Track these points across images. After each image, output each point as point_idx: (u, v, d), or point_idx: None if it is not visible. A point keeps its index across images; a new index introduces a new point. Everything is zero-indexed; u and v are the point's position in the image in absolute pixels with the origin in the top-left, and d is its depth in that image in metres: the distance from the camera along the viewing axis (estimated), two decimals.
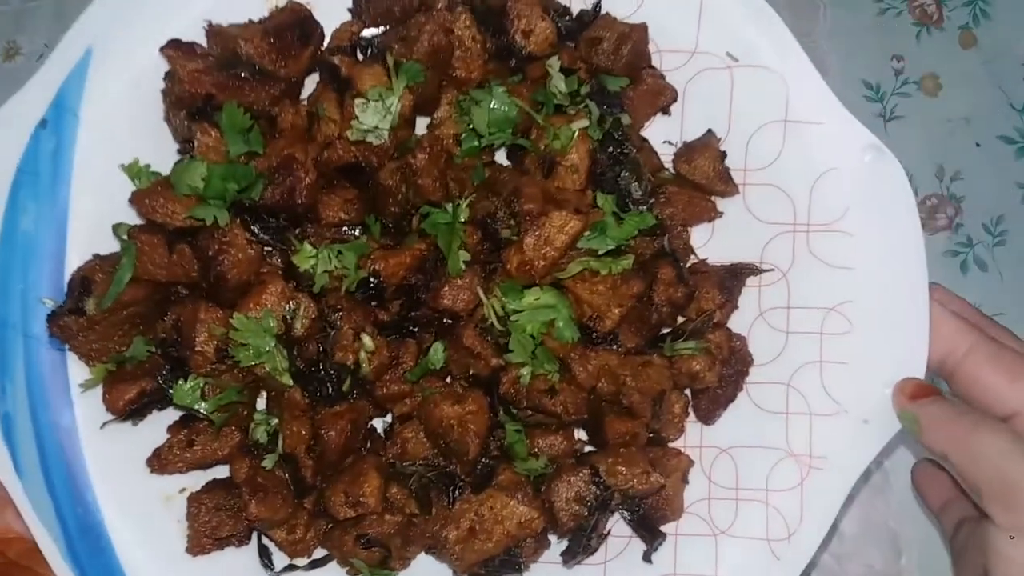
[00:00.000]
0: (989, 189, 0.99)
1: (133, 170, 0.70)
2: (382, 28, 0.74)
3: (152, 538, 0.66)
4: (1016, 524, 0.62)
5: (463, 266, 0.63)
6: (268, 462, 0.63)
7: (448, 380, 0.67)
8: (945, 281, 0.87)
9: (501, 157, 0.73)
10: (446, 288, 0.64)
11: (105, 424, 0.66)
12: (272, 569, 0.66)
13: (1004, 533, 0.63)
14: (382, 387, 0.64)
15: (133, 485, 0.67)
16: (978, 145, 1.00)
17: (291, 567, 0.67)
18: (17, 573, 0.62)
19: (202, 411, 0.61)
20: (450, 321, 0.67)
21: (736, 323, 0.71)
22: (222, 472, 0.68)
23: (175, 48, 0.67)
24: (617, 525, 0.70)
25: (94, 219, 0.71)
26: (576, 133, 0.65)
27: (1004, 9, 1.04)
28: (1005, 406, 0.66)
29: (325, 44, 0.73)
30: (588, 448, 0.69)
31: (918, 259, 0.68)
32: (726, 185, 0.72)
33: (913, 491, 0.84)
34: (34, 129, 0.69)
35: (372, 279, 0.64)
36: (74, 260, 0.69)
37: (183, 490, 0.67)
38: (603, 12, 0.74)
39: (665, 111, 0.76)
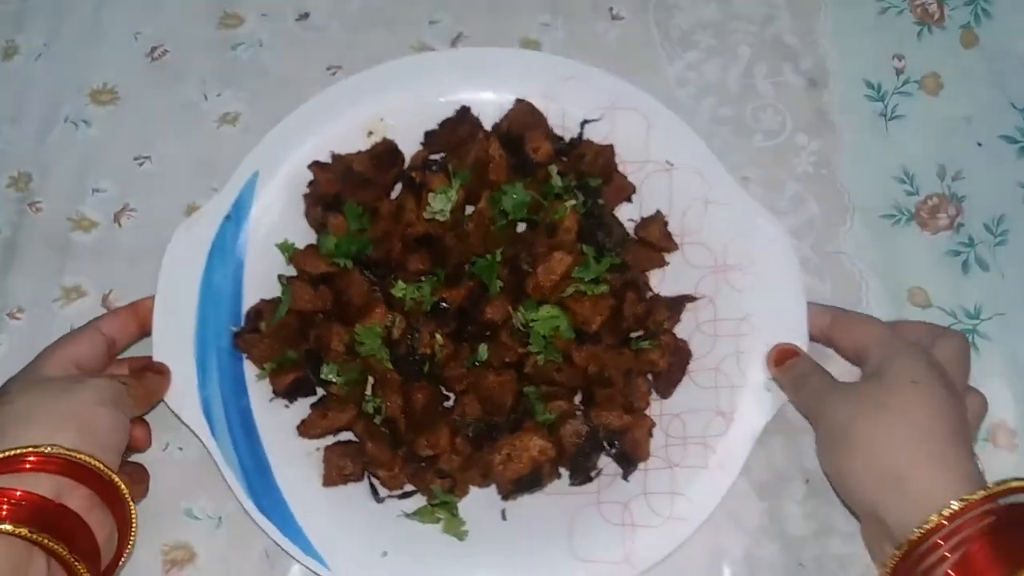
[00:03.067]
0: (991, 189, 0.97)
1: (284, 247, 0.98)
2: (442, 154, 1.03)
3: (300, 476, 0.91)
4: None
5: (499, 290, 0.93)
6: (377, 420, 0.92)
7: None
8: (946, 281, 0.94)
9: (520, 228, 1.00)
10: (489, 307, 0.93)
11: (272, 399, 0.94)
12: (378, 496, 0.93)
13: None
14: (448, 371, 0.92)
15: (287, 444, 0.92)
16: (980, 145, 0.97)
17: (389, 497, 0.93)
18: None
19: (337, 382, 0.91)
20: (489, 333, 0.94)
21: (681, 331, 0.97)
22: (343, 439, 0.95)
23: (317, 166, 0.98)
24: (607, 467, 0.94)
25: (259, 277, 0.97)
26: (568, 209, 0.95)
27: (1006, 8, 1.02)
28: (851, 351, 0.87)
29: (406, 164, 1.02)
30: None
31: (797, 283, 0.94)
32: (669, 243, 0.98)
33: None
34: (222, 220, 0.96)
35: (442, 303, 0.94)
36: (246, 303, 0.97)
37: (318, 449, 0.93)
38: (584, 138, 1.02)
39: (628, 200, 1.02)
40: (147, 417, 0.93)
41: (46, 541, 0.69)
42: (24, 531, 0.69)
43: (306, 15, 1.10)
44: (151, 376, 0.88)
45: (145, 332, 0.92)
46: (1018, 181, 0.98)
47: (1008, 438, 0.91)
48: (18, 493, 0.70)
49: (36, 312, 0.98)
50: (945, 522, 0.69)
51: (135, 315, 0.91)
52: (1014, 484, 0.71)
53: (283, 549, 0.90)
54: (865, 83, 1.02)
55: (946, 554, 0.68)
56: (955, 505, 0.69)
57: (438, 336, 0.90)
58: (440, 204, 0.93)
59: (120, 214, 1.03)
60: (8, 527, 0.68)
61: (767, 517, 0.90)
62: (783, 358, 0.89)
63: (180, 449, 0.93)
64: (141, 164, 1.05)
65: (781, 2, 1.00)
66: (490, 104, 1.02)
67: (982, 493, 0.69)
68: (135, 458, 0.90)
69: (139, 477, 0.86)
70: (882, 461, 0.74)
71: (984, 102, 1.00)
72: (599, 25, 1.08)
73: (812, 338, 0.94)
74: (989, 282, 0.96)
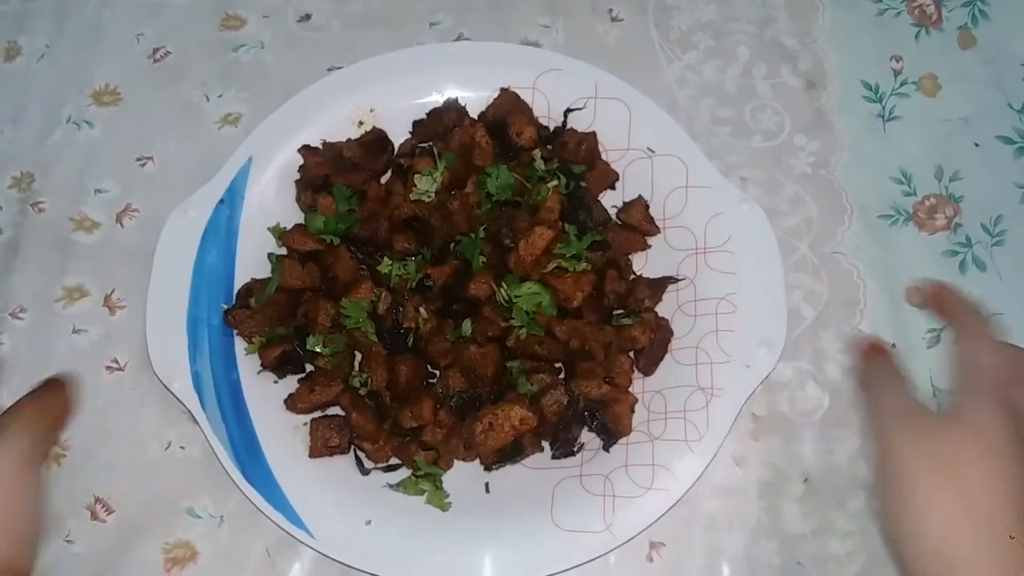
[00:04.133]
0: (988, 189, 0.97)
1: (275, 230, 1.01)
2: (430, 143, 1.05)
3: (287, 448, 0.93)
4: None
5: (481, 265, 0.95)
6: (363, 391, 0.94)
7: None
8: (944, 280, 0.87)
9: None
10: (472, 283, 0.95)
11: (260, 372, 0.96)
12: (363, 468, 0.94)
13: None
14: (432, 345, 0.94)
15: (275, 417, 0.94)
16: (977, 145, 0.97)
17: (374, 469, 0.95)
18: None
19: (324, 353, 0.93)
20: (474, 308, 0.96)
21: (663, 311, 0.99)
22: (330, 413, 0.98)
23: (306, 149, 1.02)
24: (589, 443, 0.96)
25: (250, 258, 1.00)
26: (551, 189, 0.97)
27: (1003, 9, 1.02)
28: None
29: (395, 151, 1.06)
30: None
31: (775, 263, 0.97)
32: (651, 226, 1.01)
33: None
34: (216, 204, 0.98)
35: (426, 282, 0.97)
36: (238, 283, 1.00)
37: (305, 423, 0.95)
38: (568, 127, 1.05)
39: (612, 187, 1.05)
40: (151, 415, 0.98)
41: None
42: None
43: (307, 16, 1.13)
44: (52, 394, 0.82)
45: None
46: (1015, 181, 0.98)
47: None
48: None
49: (38, 312, 0.99)
50: None
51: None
52: None
53: (269, 517, 0.91)
54: (863, 84, 1.03)
55: None
56: None
57: (422, 310, 0.93)
58: (426, 185, 0.97)
59: (122, 214, 1.05)
60: None
61: (766, 516, 0.91)
62: (872, 353, 0.82)
63: (182, 448, 0.95)
64: (143, 165, 1.07)
65: (779, 3, 1.02)
66: (477, 97, 1.06)
67: None
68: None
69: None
70: (935, 539, 0.67)
71: (981, 103, 1.00)
72: (598, 26, 1.10)
73: (925, 304, 0.91)
74: (987, 282, 0.96)
